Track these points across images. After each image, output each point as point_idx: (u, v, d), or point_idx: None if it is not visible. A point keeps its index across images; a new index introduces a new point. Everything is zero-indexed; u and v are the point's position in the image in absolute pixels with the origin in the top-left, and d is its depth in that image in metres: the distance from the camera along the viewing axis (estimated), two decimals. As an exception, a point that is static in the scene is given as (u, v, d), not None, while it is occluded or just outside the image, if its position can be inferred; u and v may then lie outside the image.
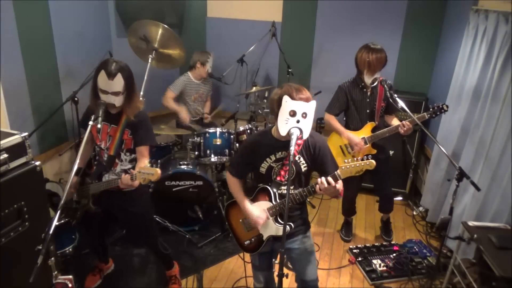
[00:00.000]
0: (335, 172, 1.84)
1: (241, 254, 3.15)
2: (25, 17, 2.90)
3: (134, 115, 2.22)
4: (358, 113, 3.05)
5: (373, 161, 1.81)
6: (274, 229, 2.04)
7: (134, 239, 2.66)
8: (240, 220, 2.16)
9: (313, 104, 1.85)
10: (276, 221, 2.03)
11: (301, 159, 1.97)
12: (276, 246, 2.12)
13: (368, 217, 3.85)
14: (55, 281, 1.70)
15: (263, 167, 2.00)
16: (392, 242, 3.41)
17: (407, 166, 4.04)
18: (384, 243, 3.40)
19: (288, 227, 1.99)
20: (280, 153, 1.96)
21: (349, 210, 3.51)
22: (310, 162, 1.99)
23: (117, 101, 2.15)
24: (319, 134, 2.07)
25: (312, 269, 2.20)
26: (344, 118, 3.19)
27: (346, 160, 1.83)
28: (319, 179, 1.84)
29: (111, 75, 2.06)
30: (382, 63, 2.85)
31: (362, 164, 1.80)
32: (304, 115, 1.83)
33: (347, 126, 3.12)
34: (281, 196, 1.99)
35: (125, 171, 2.34)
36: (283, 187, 2.00)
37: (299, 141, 1.93)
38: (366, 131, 3.04)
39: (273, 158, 1.97)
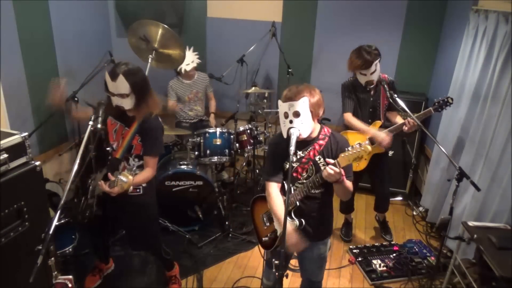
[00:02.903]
0: (335, 161, 1.82)
1: (242, 254, 3.16)
2: (25, 17, 2.91)
3: (147, 121, 2.20)
4: (361, 111, 3.03)
5: (368, 146, 1.78)
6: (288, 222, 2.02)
7: (136, 245, 2.63)
8: (261, 215, 2.15)
9: (303, 100, 1.83)
10: (289, 216, 1.98)
11: (321, 159, 1.96)
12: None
13: (368, 217, 3.84)
14: (55, 281, 1.70)
15: (285, 166, 2.01)
16: (392, 242, 3.41)
17: (407, 166, 4.04)
18: (384, 243, 3.40)
19: (297, 222, 1.97)
20: (300, 152, 1.96)
21: (347, 208, 3.52)
22: None
23: (125, 103, 2.12)
24: (342, 136, 2.06)
25: (321, 272, 2.23)
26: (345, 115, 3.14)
27: (342, 154, 1.82)
28: (323, 172, 1.84)
29: (113, 77, 2.06)
30: (367, 64, 2.76)
31: (359, 150, 1.78)
32: (296, 114, 1.83)
33: (350, 127, 3.09)
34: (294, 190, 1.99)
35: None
36: (297, 184, 1.99)
37: (321, 142, 1.95)
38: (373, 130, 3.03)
39: (293, 158, 1.97)
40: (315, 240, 2.08)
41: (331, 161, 1.83)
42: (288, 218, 2.00)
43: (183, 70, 3.68)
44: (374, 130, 2.96)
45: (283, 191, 2.01)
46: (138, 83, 2.13)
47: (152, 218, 2.54)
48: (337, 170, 1.81)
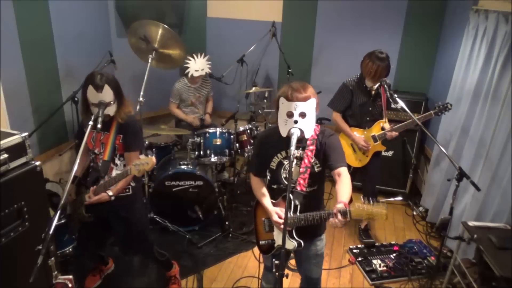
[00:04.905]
0: (347, 209, 1.75)
1: (242, 254, 3.16)
2: (25, 17, 2.90)
3: (125, 120, 2.26)
4: (361, 111, 3.11)
5: (385, 212, 1.71)
6: (286, 242, 1.97)
7: (128, 248, 2.62)
8: (263, 219, 2.12)
9: (312, 102, 1.83)
10: (290, 235, 1.94)
11: (316, 161, 1.94)
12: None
13: (368, 217, 3.84)
14: (55, 281, 1.70)
15: (274, 162, 1.99)
16: (392, 242, 3.41)
17: (407, 166, 4.04)
18: (384, 243, 3.40)
19: (295, 244, 1.92)
20: (297, 150, 1.92)
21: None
22: (321, 160, 1.96)
23: (111, 111, 2.18)
24: (330, 130, 2.00)
25: (319, 269, 2.21)
26: (348, 114, 3.21)
27: (358, 205, 1.74)
28: (331, 220, 1.76)
29: (99, 88, 2.10)
30: (384, 74, 2.90)
31: (375, 212, 1.71)
32: (302, 115, 1.81)
33: (347, 122, 3.18)
34: (301, 209, 1.90)
35: None
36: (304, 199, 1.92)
37: (312, 147, 1.91)
38: (376, 129, 3.11)
39: (283, 154, 1.96)
40: (313, 238, 2.08)
41: (342, 207, 1.74)
42: (289, 238, 1.95)
43: (189, 75, 3.69)
44: (354, 136, 3.13)
45: (283, 198, 1.95)
46: (117, 88, 2.20)
47: (142, 219, 2.55)
48: (346, 220, 1.74)
